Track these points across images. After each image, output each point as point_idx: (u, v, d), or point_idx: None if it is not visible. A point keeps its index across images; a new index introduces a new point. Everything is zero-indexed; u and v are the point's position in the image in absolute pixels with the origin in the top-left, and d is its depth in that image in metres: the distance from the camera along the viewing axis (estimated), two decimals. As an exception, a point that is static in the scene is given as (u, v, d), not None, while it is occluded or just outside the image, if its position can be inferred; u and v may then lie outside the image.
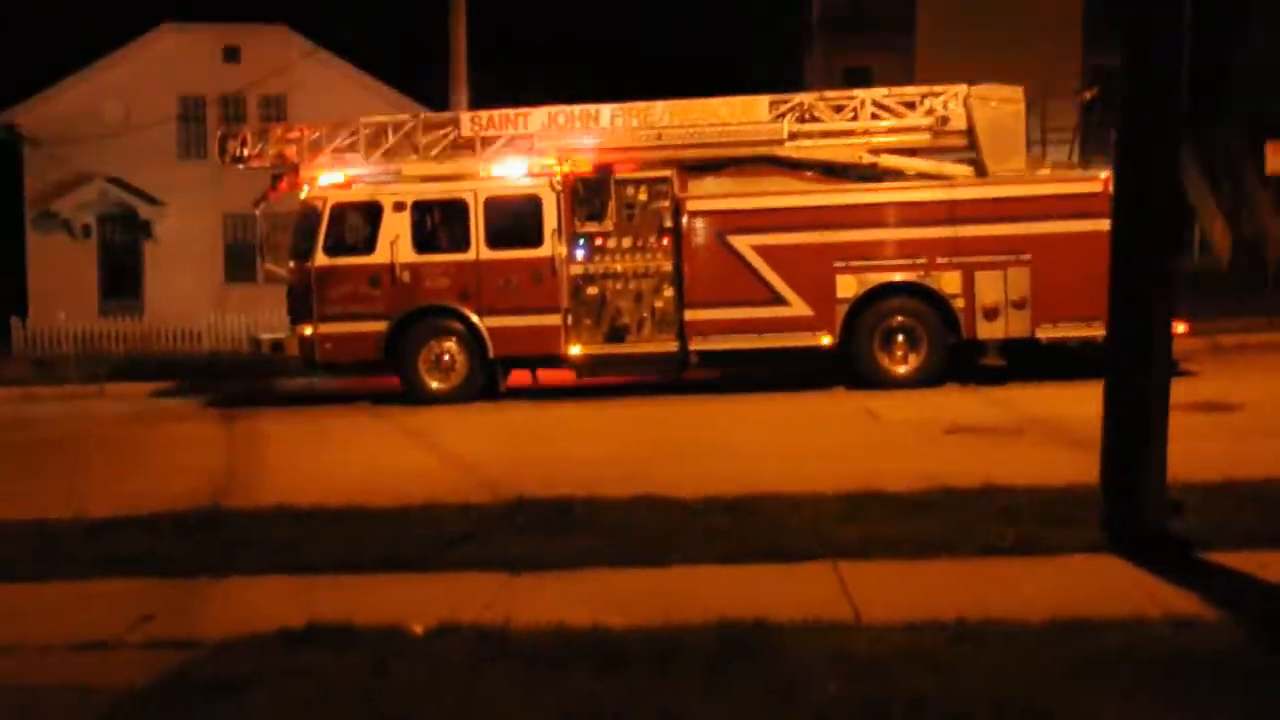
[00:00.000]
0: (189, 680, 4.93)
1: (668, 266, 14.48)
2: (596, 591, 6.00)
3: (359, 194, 14.95)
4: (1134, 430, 6.31)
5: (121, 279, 29.13)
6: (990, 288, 13.88)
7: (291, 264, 15.28)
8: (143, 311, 27.46)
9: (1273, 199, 19.20)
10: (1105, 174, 12.86)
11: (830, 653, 4.82)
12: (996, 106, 14.33)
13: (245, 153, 15.39)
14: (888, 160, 14.57)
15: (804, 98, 15.00)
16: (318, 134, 15.24)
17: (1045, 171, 14.54)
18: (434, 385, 14.72)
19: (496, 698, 4.55)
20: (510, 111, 15.01)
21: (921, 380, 13.94)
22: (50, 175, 28.48)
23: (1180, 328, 11.91)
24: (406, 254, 14.70)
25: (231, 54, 28.74)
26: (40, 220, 28.65)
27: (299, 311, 15.00)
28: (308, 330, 14.86)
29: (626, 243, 14.57)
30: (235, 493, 9.07)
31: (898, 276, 14.09)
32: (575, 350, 14.63)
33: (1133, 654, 4.67)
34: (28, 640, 5.57)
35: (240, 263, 27.96)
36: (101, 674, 5.07)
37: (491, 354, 14.68)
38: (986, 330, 14.01)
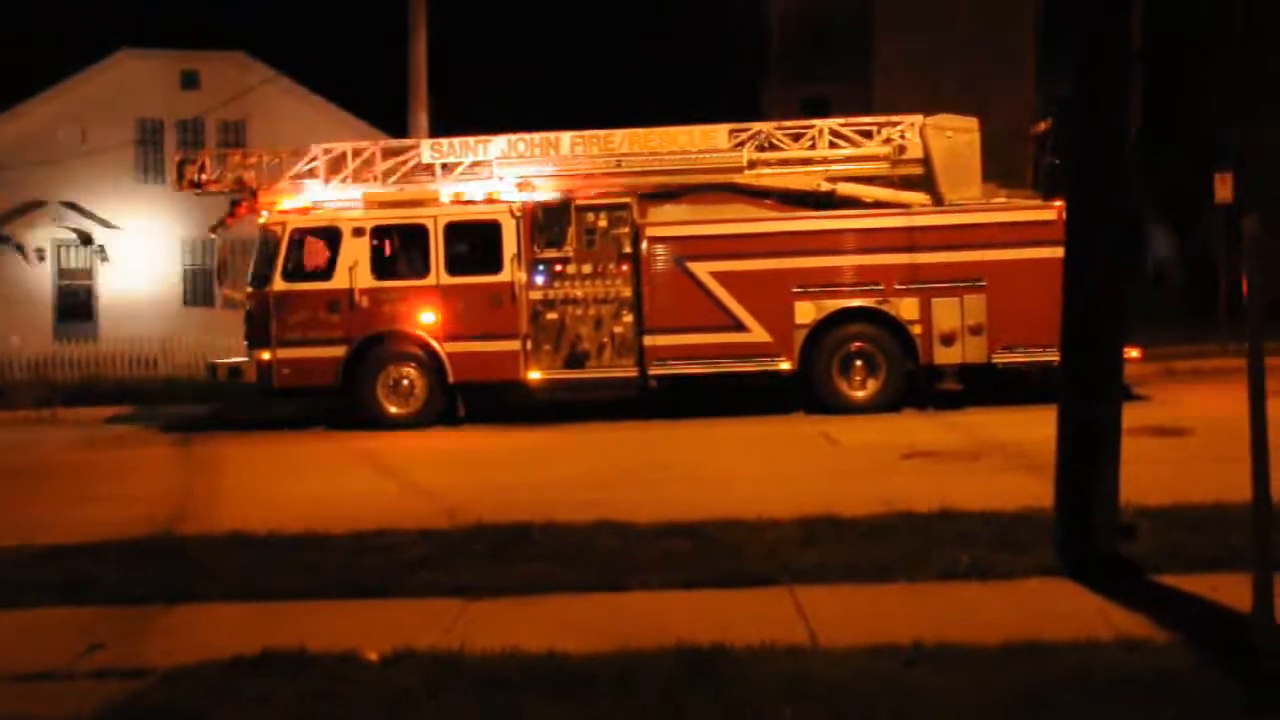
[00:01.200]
0: (139, 710, 4.87)
1: (627, 292, 14.53)
2: (554, 617, 5.98)
3: (318, 219, 14.89)
4: (1087, 455, 6.38)
5: (76, 304, 28.79)
6: (947, 314, 14.04)
7: (250, 289, 15.17)
8: (97, 336, 27.12)
9: (1222, 227, 19.54)
10: (1059, 203, 13.04)
11: (788, 677, 4.84)
12: (952, 136, 14.55)
13: (203, 178, 15.32)
14: (845, 188, 14.73)
15: (762, 126, 15.15)
16: (277, 159, 15.21)
17: (1001, 200, 14.73)
18: (393, 410, 14.65)
19: (453, 722, 4.52)
20: (470, 139, 15.04)
21: (880, 405, 14.06)
22: (4, 199, 28.13)
23: (1133, 353, 12.09)
24: (365, 279, 14.66)
25: (190, 79, 28.62)
26: None
27: (257, 336, 14.89)
28: (265, 355, 14.75)
29: (586, 269, 14.61)
30: (190, 519, 8.98)
31: (856, 302, 14.21)
32: (535, 375, 14.63)
33: (1086, 676, 4.71)
34: (-30, 671, 5.46)
35: (198, 287, 27.75)
36: (48, 705, 4.98)
37: (451, 379, 14.64)
38: (944, 356, 14.15)
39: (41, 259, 28.63)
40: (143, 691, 5.06)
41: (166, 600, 6.54)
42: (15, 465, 13.57)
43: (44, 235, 28.54)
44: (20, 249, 28.22)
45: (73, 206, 28.24)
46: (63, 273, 29.00)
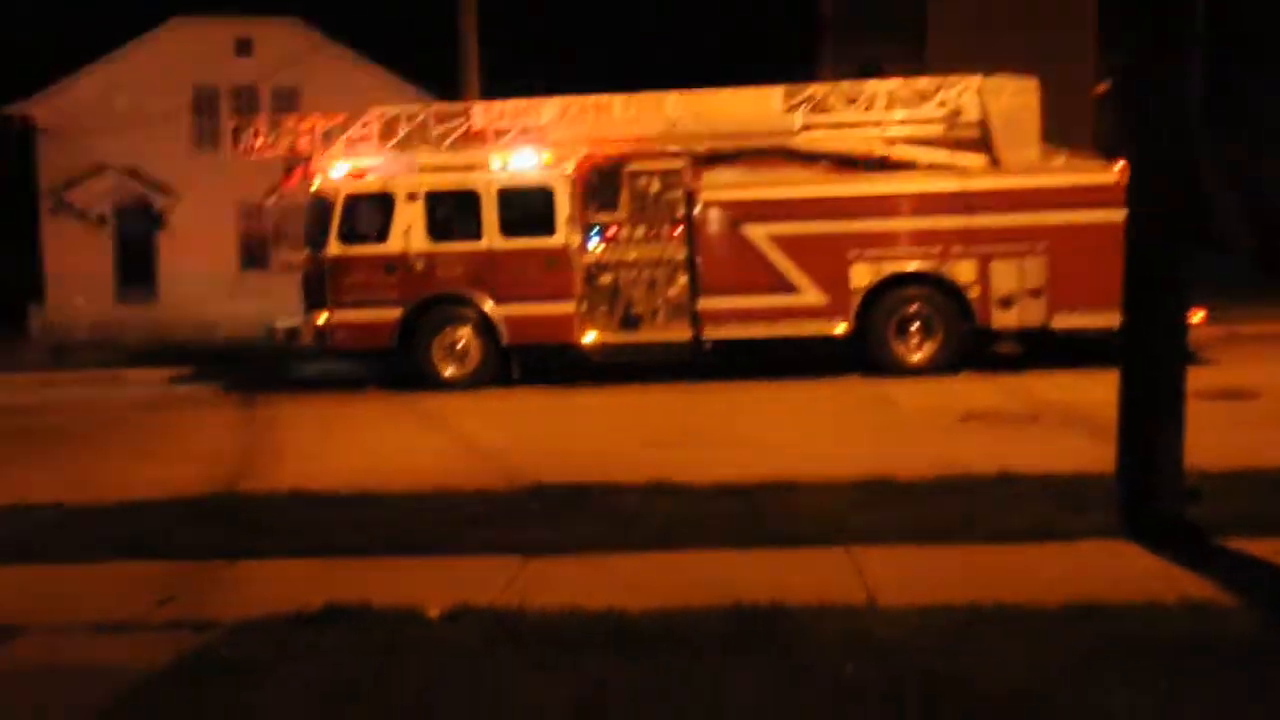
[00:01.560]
0: (209, 661, 4.96)
1: (681, 255, 14.49)
2: (612, 575, 6.01)
3: (372, 184, 14.97)
4: (1150, 418, 6.30)
5: (137, 267, 29.21)
6: (1005, 277, 13.89)
7: (306, 253, 15.33)
8: (158, 299, 27.58)
9: None
10: (1120, 165, 12.84)
11: (845, 636, 4.84)
12: (1010, 98, 14.33)
13: (258, 144, 15.46)
14: (901, 151, 14.56)
15: (817, 89, 14.98)
16: (330, 125, 15.28)
17: (1060, 162, 14.49)
18: (448, 372, 14.76)
19: (512, 679, 4.57)
20: (523, 102, 15.04)
21: (937, 368, 13.95)
22: (66, 166, 28.58)
23: (1197, 316, 11.88)
24: (420, 243, 14.74)
25: (243, 46, 28.83)
26: (56, 209, 28.76)
27: (313, 299, 15.05)
28: (322, 318, 14.91)
29: (639, 232, 14.60)
30: (251, 477, 9.12)
31: (912, 266, 14.09)
32: (589, 338, 14.67)
33: (1148, 639, 4.67)
34: (50, 622, 5.61)
35: (255, 251, 28.07)
36: (123, 655, 5.10)
37: (505, 341, 14.72)
38: (1001, 319, 14.01)
39: (103, 223, 29.08)
40: (212, 643, 5.16)
41: (231, 555, 6.67)
42: (83, 425, 13.83)
43: (105, 201, 28.96)
44: (84, 215, 28.68)
45: (132, 172, 28.62)
46: (122, 237, 29.42)
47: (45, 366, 20.03)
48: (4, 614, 5.69)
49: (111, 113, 27.70)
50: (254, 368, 18.24)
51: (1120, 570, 5.70)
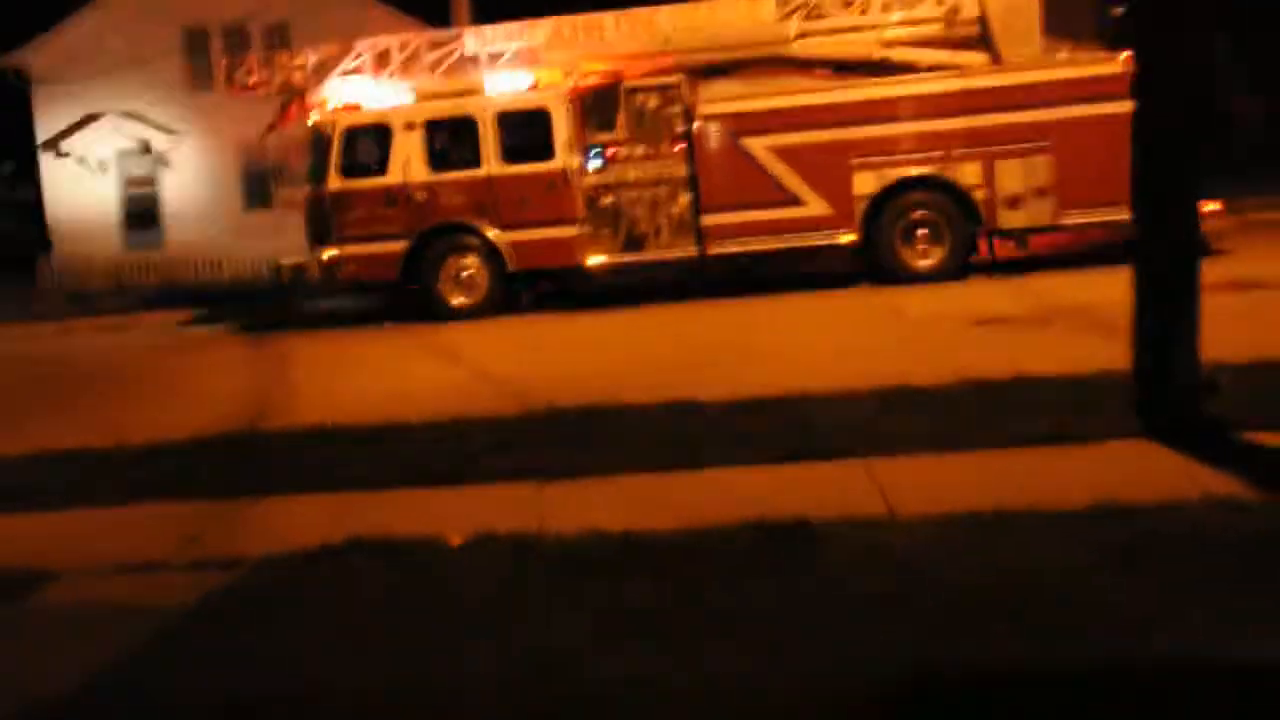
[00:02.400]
0: (238, 596, 5.04)
1: (682, 172, 14.37)
2: (630, 496, 6.01)
3: (369, 116, 14.84)
4: (1164, 312, 6.22)
5: (142, 211, 29.10)
6: (1011, 176, 13.74)
7: (307, 188, 15.24)
8: (164, 242, 27.52)
9: None
10: (1125, 54, 12.59)
11: (864, 548, 4.85)
12: None
13: (252, 81, 15.31)
14: (900, 53, 14.33)
15: None
16: (323, 58, 15.11)
17: (1063, 55, 14.24)
18: (456, 302, 14.75)
19: (536, 601, 4.61)
20: (514, 25, 14.85)
21: (945, 273, 13.86)
22: (63, 114, 28.34)
23: (1211, 206, 11.74)
24: (420, 173, 14.64)
25: (231, -17, 28.39)
26: (57, 158, 28.60)
27: (318, 235, 15.02)
28: (327, 253, 14.88)
29: (639, 151, 14.47)
30: (271, 415, 9.17)
31: (916, 170, 13.94)
32: (594, 260, 14.62)
33: (1173, 536, 4.66)
34: (79, 565, 5.67)
35: (257, 189, 27.87)
36: (153, 595, 5.17)
37: (510, 268, 14.68)
38: (1009, 219, 13.89)
39: (105, 169, 28.92)
40: (240, 579, 5.22)
41: (254, 493, 6.71)
42: (102, 369, 13.95)
43: (105, 146, 28.78)
44: (85, 162, 28.51)
45: (131, 115, 28.40)
46: (127, 182, 29.29)
47: (59, 315, 20.14)
48: (34, 559, 5.75)
49: (105, 58, 27.36)
50: (265, 306, 18.29)
51: (1141, 469, 5.67)
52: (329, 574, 5.16)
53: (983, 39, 14.20)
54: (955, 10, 14.22)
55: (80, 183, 28.57)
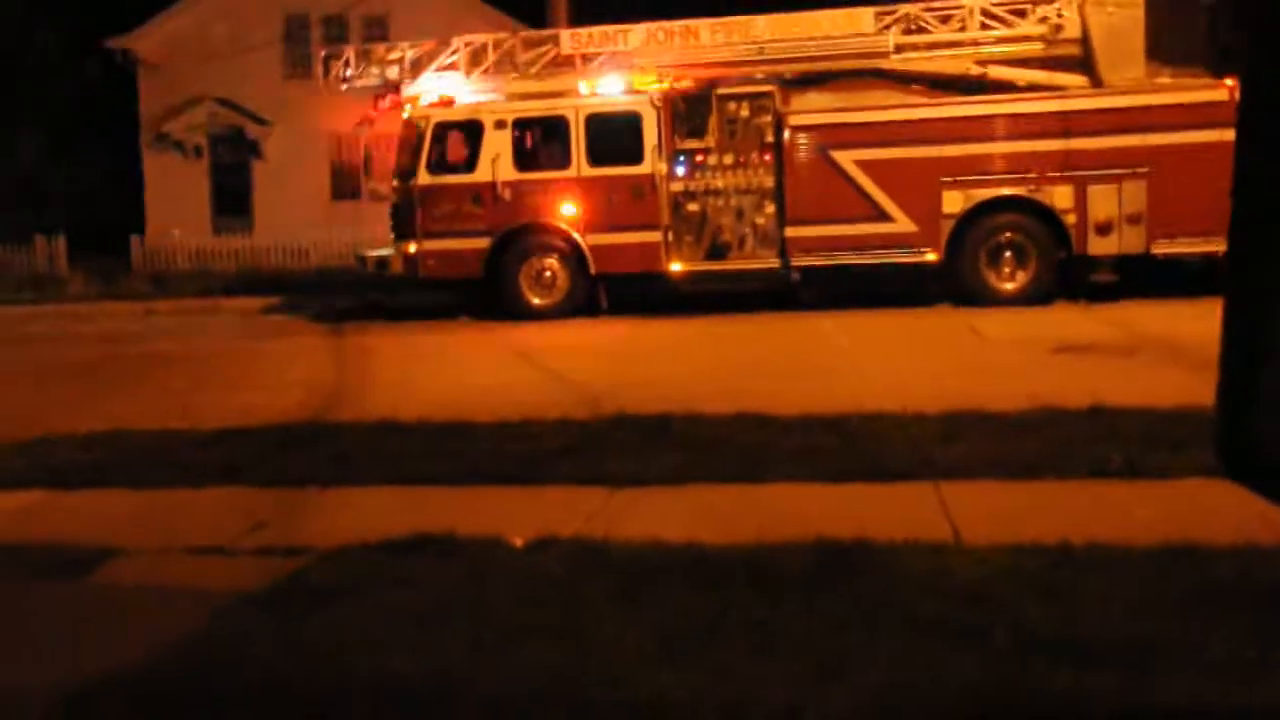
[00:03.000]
0: (300, 586, 5.07)
1: (769, 182, 14.31)
2: (695, 507, 6.00)
3: (460, 112, 15.01)
4: (1253, 350, 6.03)
5: (232, 198, 29.75)
6: (1103, 202, 13.48)
7: (395, 182, 15.46)
8: (252, 229, 28.10)
9: None
10: (1231, 81, 12.29)
11: (929, 574, 4.77)
12: (1113, 12, 13.84)
13: (348, 73, 15.57)
14: (997, 71, 14.15)
15: (910, 8, 14.60)
16: (419, 53, 15.32)
17: (1165, 80, 13.93)
18: (535, 301, 14.86)
19: (595, 609, 4.59)
20: (610, 28, 14.90)
21: (1029, 297, 13.68)
22: (163, 98, 29.15)
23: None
24: (508, 171, 14.76)
25: (335, -28, 28.93)
26: (155, 142, 29.40)
27: (403, 229, 15.22)
28: (411, 247, 15.08)
29: (728, 159, 14.44)
30: (342, 406, 9.30)
31: (1006, 191, 13.76)
32: (676, 267, 14.62)
33: (1247, 582, 4.52)
34: (148, 544, 5.78)
35: (345, 181, 28.37)
36: (217, 578, 5.24)
37: (593, 270, 14.74)
38: (1099, 246, 13.65)
39: (199, 155, 29.68)
40: (304, 569, 5.26)
41: (322, 483, 6.78)
42: (181, 352, 14.23)
43: (200, 132, 29.52)
44: (181, 147, 29.32)
45: (226, 103, 29.06)
46: (218, 168, 29.97)
47: (145, 296, 20.66)
48: (103, 535, 5.88)
49: (207, 44, 28.11)
50: (346, 296, 18.57)
51: (1217, 511, 5.41)
52: (391, 568, 5.18)
53: (1083, 60, 13.98)
54: (1057, 29, 14.00)
55: (176, 166, 29.35)
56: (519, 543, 5.48)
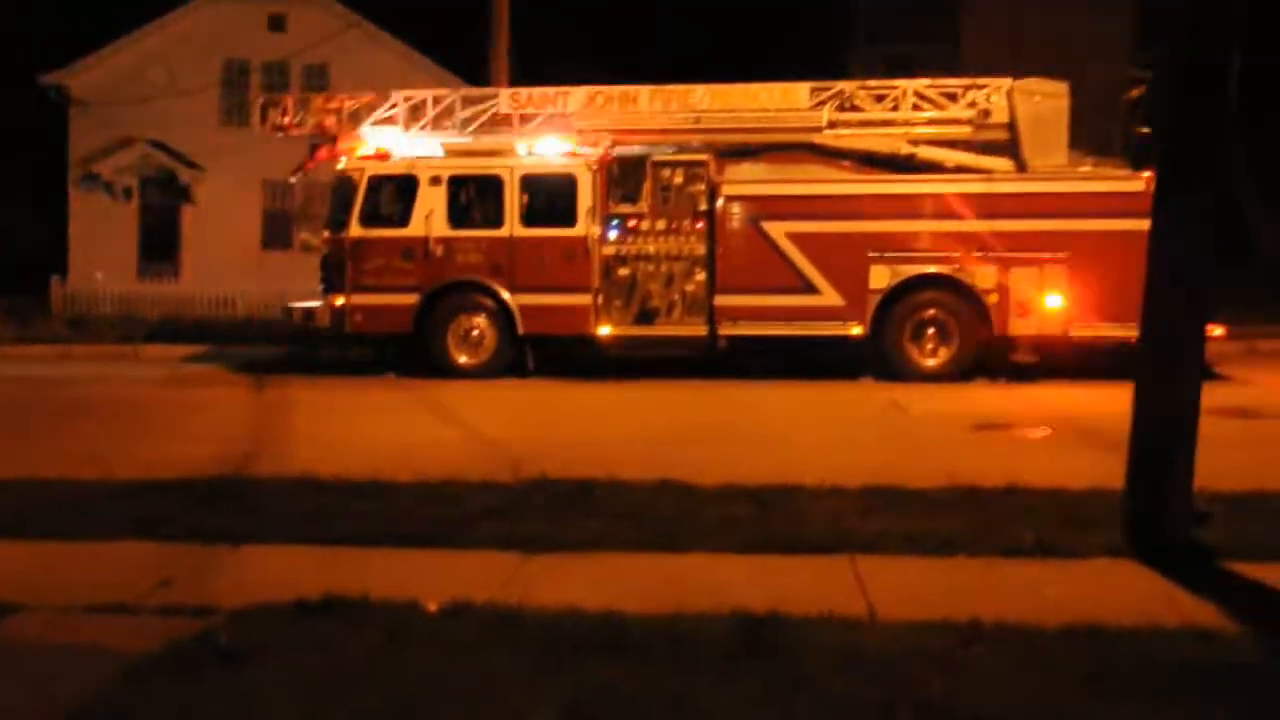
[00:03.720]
0: (205, 647, 4.96)
1: (700, 250, 14.49)
2: (612, 575, 6.00)
3: (396, 166, 15.03)
4: (1162, 435, 6.25)
5: (160, 242, 29.47)
6: (1025, 284, 13.86)
7: (326, 234, 15.41)
8: (179, 275, 27.79)
9: None
10: (1148, 173, 12.75)
11: (843, 649, 4.82)
12: (1040, 101, 14.31)
13: (286, 121, 15.53)
14: (927, 152, 14.52)
15: (845, 86, 14.96)
16: (358, 105, 15.35)
17: (1087, 169, 14.42)
18: (462, 360, 14.83)
19: (508, 679, 4.56)
20: (550, 90, 15.06)
21: (951, 374, 13.96)
22: (95, 137, 28.84)
23: (1216, 331, 11.82)
24: (441, 228, 14.78)
25: (276, 22, 29.10)
26: (83, 181, 29.04)
27: (332, 281, 15.14)
28: (340, 300, 14.99)
29: (660, 225, 14.61)
30: (260, 460, 9.19)
31: (931, 269, 14.07)
32: (605, 330, 14.69)
33: (1150, 663, 4.63)
34: (49, 600, 5.63)
35: (277, 230, 28.29)
36: (120, 638, 5.11)
37: (521, 331, 14.76)
38: (1019, 327, 14.01)
39: (129, 197, 29.30)
40: (210, 629, 5.15)
41: (235, 539, 6.69)
42: (97, 399, 13.96)
43: (131, 174, 29.20)
44: (110, 188, 28.91)
45: (159, 146, 28.82)
46: (148, 211, 29.66)
47: (63, 339, 20.24)
48: (2, 590, 5.71)
49: (143, 85, 27.95)
50: (272, 348, 18.37)
51: (1124, 591, 5.66)
52: (301, 631, 5.12)
53: (1010, 145, 14.41)
54: (985, 114, 14.43)
55: (103, 207, 28.98)
56: (433, 607, 5.42)
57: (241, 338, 19.79)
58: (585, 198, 14.60)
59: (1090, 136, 14.98)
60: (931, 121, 14.59)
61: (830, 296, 14.18)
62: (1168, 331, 6.28)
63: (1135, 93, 15.61)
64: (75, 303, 25.77)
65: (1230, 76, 6.06)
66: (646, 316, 14.61)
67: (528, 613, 5.31)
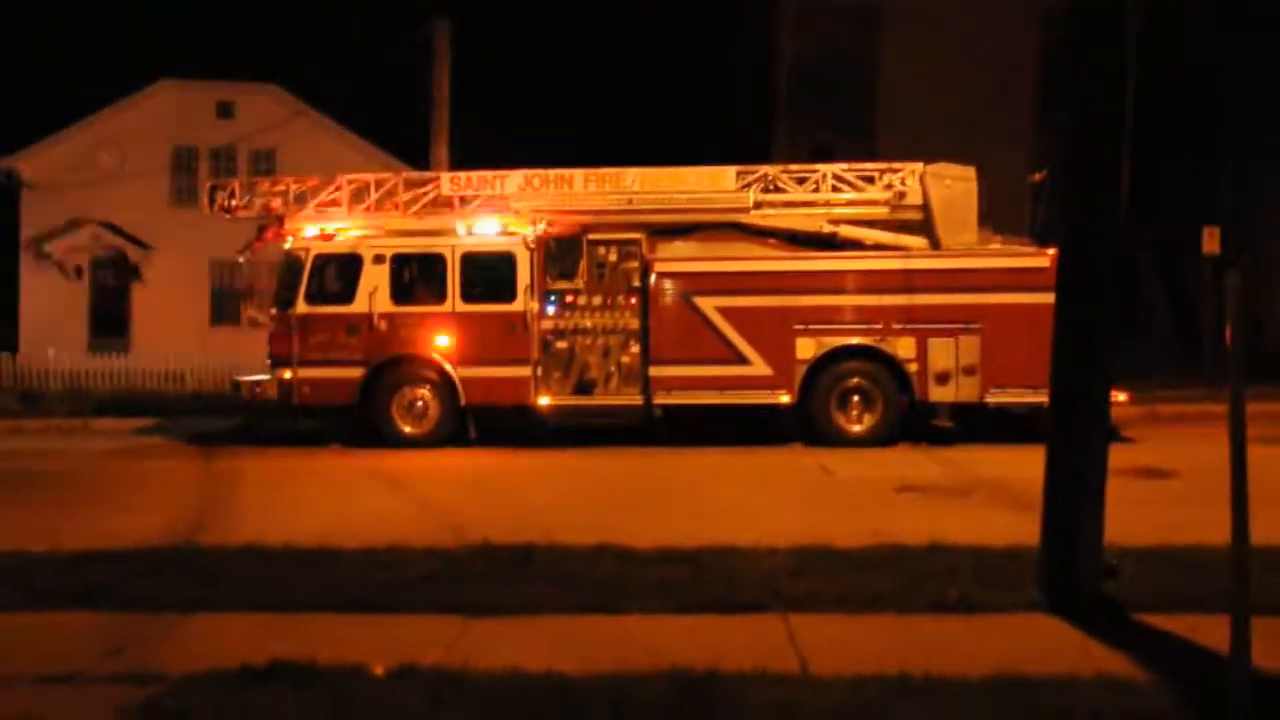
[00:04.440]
0: (153, 715, 5.05)
1: (635, 324, 14.83)
2: (554, 637, 6.14)
3: (341, 246, 15.27)
4: (1072, 495, 6.48)
5: (111, 319, 29.49)
6: (942, 354, 14.32)
7: (274, 310, 15.54)
8: (130, 351, 27.65)
9: (1207, 277, 20.00)
10: (1052, 250, 13.35)
11: (777, 704, 5.00)
12: (950, 184, 14.90)
13: (233, 204, 15.71)
14: (847, 230, 15.03)
15: (769, 169, 15.46)
16: (304, 188, 15.58)
17: (995, 246, 15.01)
18: (407, 430, 14.99)
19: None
20: (488, 173, 15.40)
21: (875, 439, 14.34)
22: (46, 218, 29.04)
23: (1120, 396, 12.29)
24: (384, 304, 15.02)
25: (225, 110, 29.52)
26: (35, 260, 29.16)
27: (279, 356, 15.26)
28: (287, 374, 15.12)
29: (596, 300, 14.94)
30: (208, 530, 9.24)
31: (855, 340, 14.50)
32: (545, 400, 14.93)
33: (1066, 713, 4.86)
34: (-3, 672, 5.67)
35: (226, 307, 28.37)
36: (67, 708, 5.18)
37: (463, 401, 14.96)
38: (938, 393, 14.43)
39: (80, 275, 29.37)
40: (156, 697, 5.22)
41: (183, 608, 6.74)
42: (46, 472, 13.90)
43: (82, 253, 29.30)
44: (61, 267, 28.94)
45: (110, 226, 29.02)
46: (98, 289, 29.74)
47: (14, 414, 20.00)
48: (-49, 663, 5.73)
49: (94, 168, 28.33)
50: (220, 420, 18.32)
51: (1042, 644, 5.87)
52: (249, 697, 5.18)
53: (924, 224, 14.95)
54: (900, 196, 15.00)
55: (55, 285, 29.11)
56: (379, 671, 5.53)
57: (191, 410, 19.70)
58: (523, 274, 14.92)
59: (996, 218, 15.59)
60: (851, 202, 15.07)
61: (759, 367, 14.56)
62: (1074, 397, 6.58)
63: (1038, 176, 16.30)
64: (25, 377, 25.48)
65: (1116, 164, 6.52)
66: (584, 387, 14.89)
67: (472, 675, 5.42)
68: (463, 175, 15.65)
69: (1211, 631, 5.61)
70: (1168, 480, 11.35)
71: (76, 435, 18.16)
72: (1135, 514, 7.67)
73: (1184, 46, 24.59)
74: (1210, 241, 19.08)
